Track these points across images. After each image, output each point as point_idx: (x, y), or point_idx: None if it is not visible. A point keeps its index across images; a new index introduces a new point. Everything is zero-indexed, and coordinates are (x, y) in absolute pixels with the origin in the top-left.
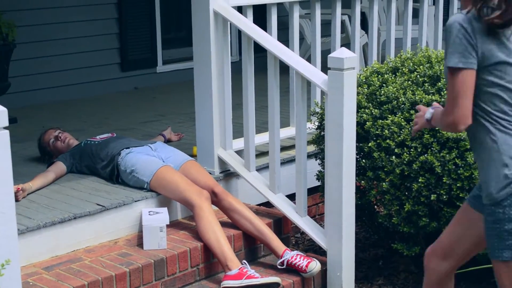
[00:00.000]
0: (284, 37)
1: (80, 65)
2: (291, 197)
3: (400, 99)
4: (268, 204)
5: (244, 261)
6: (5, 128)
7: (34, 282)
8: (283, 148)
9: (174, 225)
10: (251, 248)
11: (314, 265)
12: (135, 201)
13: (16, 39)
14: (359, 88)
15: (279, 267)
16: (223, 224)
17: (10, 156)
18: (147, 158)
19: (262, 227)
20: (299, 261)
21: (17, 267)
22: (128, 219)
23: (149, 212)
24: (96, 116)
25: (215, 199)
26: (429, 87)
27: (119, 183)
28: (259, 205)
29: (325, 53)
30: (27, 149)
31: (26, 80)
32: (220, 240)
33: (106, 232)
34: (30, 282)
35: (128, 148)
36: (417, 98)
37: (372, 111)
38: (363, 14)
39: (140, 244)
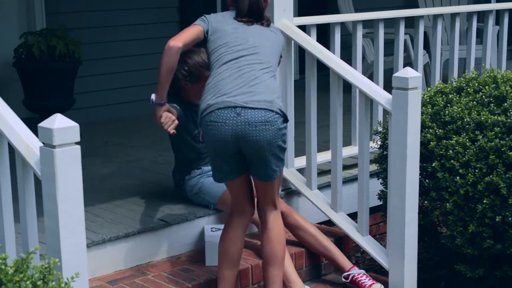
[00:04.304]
0: (344, 56)
1: (144, 82)
2: (352, 216)
3: (465, 119)
4: (328, 222)
5: (307, 286)
6: (76, 143)
7: None
8: (345, 167)
9: None
10: (313, 266)
11: (378, 287)
12: (198, 217)
13: (82, 56)
14: (423, 108)
15: (343, 280)
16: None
17: (81, 171)
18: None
19: (327, 243)
20: (364, 280)
21: (86, 280)
22: (191, 235)
23: (211, 228)
24: (159, 132)
25: None
26: (495, 107)
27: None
28: (320, 223)
29: (385, 72)
30: (91, 165)
31: (90, 96)
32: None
33: (169, 248)
34: None
35: (200, 168)
36: (482, 118)
37: (436, 131)
38: (424, 34)
39: (202, 260)
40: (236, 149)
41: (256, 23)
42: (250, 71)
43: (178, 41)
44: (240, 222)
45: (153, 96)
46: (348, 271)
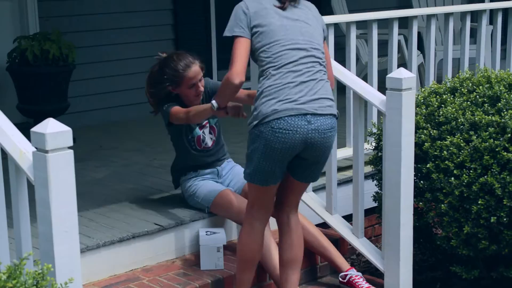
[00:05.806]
0: (338, 58)
1: (138, 85)
2: (347, 218)
3: (459, 120)
4: (323, 225)
5: None
6: (69, 148)
7: None
8: (339, 169)
9: (230, 245)
10: (309, 269)
11: None
12: (192, 221)
13: (75, 60)
14: (417, 108)
15: (340, 280)
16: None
17: (74, 175)
18: (208, 184)
19: (326, 244)
20: (361, 282)
21: (80, 286)
22: (186, 239)
23: (206, 232)
24: (153, 136)
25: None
26: (489, 107)
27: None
28: (315, 226)
29: (380, 73)
30: (85, 169)
31: (84, 100)
32: (277, 266)
33: (164, 252)
34: None
35: (196, 171)
36: (476, 118)
37: (431, 132)
38: (417, 34)
39: (197, 264)
40: (296, 154)
41: (294, 3)
42: (311, 74)
43: (242, 75)
44: (263, 226)
45: (214, 103)
46: (346, 272)
